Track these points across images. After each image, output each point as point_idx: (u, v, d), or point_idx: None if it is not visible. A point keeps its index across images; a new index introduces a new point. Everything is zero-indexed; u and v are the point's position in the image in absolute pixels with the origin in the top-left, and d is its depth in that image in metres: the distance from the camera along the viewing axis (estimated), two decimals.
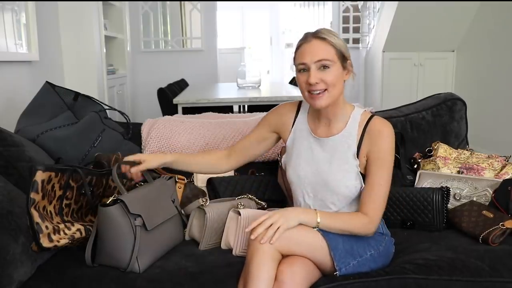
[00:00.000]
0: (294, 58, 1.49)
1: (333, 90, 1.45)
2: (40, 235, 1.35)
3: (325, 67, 1.43)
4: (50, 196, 1.43)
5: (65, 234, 1.41)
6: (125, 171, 1.53)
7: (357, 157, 1.49)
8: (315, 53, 1.43)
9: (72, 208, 1.54)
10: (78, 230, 1.46)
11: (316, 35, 1.45)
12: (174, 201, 1.66)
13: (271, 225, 1.34)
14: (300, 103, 1.64)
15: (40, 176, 1.37)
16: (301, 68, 1.46)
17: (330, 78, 1.43)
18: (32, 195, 1.35)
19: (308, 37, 1.46)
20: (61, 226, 1.42)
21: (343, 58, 1.46)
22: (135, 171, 1.51)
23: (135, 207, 1.45)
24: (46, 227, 1.37)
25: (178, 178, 1.84)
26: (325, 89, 1.44)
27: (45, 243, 1.35)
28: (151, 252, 1.50)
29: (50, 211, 1.44)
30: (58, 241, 1.38)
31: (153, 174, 1.72)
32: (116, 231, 1.43)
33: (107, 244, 1.45)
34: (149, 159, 1.54)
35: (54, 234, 1.38)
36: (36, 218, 1.36)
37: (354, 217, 1.46)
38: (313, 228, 1.40)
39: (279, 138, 1.68)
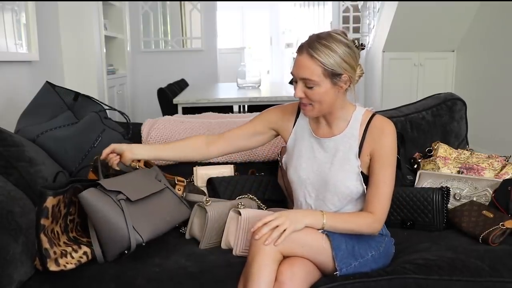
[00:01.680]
0: None
1: (319, 106, 1.44)
2: (48, 259, 1.35)
3: (309, 86, 1.41)
4: (57, 217, 1.43)
5: (72, 258, 1.40)
6: (113, 162, 1.55)
7: (359, 157, 1.49)
8: (301, 70, 1.41)
9: (76, 222, 1.54)
10: (85, 253, 1.45)
11: (308, 50, 1.39)
12: (161, 181, 1.65)
13: (276, 226, 1.34)
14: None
15: (50, 202, 1.36)
16: (293, 77, 1.47)
17: (314, 96, 1.42)
18: (43, 221, 1.35)
19: (302, 48, 1.41)
20: (69, 249, 1.42)
21: (334, 76, 1.40)
22: (125, 161, 1.55)
23: (112, 186, 1.47)
24: (54, 253, 1.36)
25: (177, 180, 1.84)
26: (311, 104, 1.44)
27: (52, 267, 1.35)
28: (148, 222, 1.49)
29: (57, 231, 1.44)
30: (65, 266, 1.37)
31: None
32: (103, 213, 1.43)
33: (102, 229, 1.44)
34: (133, 151, 1.56)
35: (61, 257, 1.38)
36: (45, 243, 1.35)
37: (359, 216, 1.46)
38: (318, 230, 1.40)
39: (275, 135, 1.68)
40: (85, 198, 1.43)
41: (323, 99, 1.43)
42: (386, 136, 1.47)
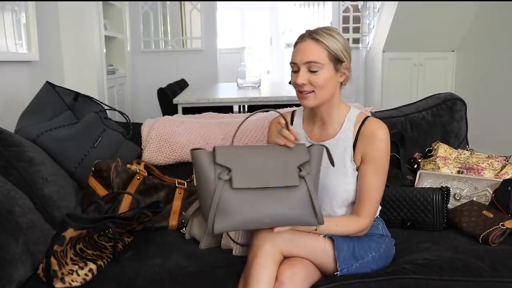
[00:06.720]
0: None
1: (321, 93, 1.44)
2: (55, 279, 1.37)
3: (313, 70, 1.41)
4: (70, 243, 1.43)
5: (78, 275, 1.40)
6: None
7: (354, 159, 1.48)
8: (306, 54, 1.42)
9: (86, 238, 1.55)
10: (90, 270, 1.44)
11: (312, 35, 1.43)
12: (302, 171, 1.29)
13: None
14: (293, 112, 1.64)
15: (70, 233, 1.36)
16: (292, 67, 1.46)
17: (318, 80, 1.42)
18: (56, 247, 1.36)
19: (304, 36, 1.45)
20: (75, 268, 1.42)
21: (337, 61, 1.43)
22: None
23: (224, 158, 1.24)
24: (62, 273, 1.38)
25: (178, 182, 1.84)
26: (313, 91, 1.44)
27: (57, 284, 1.37)
28: (233, 215, 1.23)
29: (66, 249, 1.44)
30: (70, 284, 1.38)
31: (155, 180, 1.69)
32: (201, 179, 1.26)
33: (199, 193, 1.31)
34: None
35: (67, 275, 1.39)
36: (54, 266, 1.37)
37: (349, 223, 1.46)
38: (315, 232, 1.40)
39: None
40: (196, 156, 1.26)
41: (326, 85, 1.43)
42: (379, 142, 1.45)
